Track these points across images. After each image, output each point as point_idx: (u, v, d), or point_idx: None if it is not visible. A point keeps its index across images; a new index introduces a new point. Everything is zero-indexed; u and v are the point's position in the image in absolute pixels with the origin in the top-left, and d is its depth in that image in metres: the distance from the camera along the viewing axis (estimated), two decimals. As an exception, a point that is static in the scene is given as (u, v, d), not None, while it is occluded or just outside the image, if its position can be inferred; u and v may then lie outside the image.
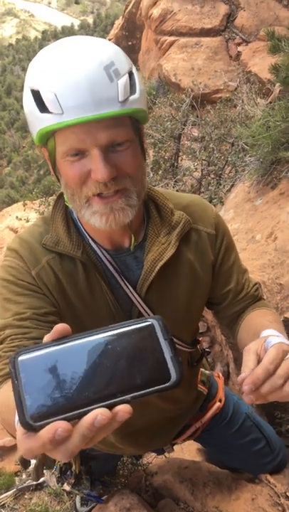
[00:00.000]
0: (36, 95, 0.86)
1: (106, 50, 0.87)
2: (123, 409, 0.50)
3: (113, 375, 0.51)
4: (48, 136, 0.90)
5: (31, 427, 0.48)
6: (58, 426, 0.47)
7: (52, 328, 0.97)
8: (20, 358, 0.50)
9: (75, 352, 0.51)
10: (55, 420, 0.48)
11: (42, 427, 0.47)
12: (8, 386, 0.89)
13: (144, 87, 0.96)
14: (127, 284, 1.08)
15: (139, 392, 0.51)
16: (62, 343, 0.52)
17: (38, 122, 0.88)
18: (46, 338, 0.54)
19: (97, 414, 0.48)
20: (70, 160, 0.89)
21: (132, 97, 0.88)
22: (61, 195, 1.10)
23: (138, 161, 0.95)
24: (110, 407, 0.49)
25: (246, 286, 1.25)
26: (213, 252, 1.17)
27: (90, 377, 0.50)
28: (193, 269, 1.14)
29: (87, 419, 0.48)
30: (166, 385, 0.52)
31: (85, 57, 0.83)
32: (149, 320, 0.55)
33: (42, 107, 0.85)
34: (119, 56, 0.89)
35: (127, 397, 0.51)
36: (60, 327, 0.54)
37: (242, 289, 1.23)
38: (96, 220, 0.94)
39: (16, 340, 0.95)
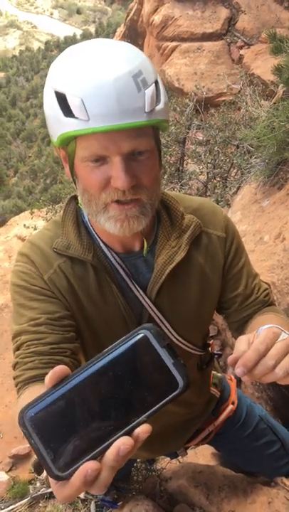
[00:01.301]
0: (61, 98, 0.85)
1: (135, 58, 0.86)
2: (143, 431, 0.50)
3: (122, 401, 0.51)
4: (70, 140, 0.90)
5: (62, 478, 0.48)
6: (86, 468, 0.48)
7: (67, 331, 1.00)
8: (28, 416, 0.49)
9: (78, 391, 0.51)
10: (82, 463, 0.48)
11: (71, 474, 0.48)
12: (29, 393, 0.89)
13: (167, 97, 0.96)
14: (137, 287, 1.08)
15: (151, 410, 0.51)
16: (63, 386, 0.51)
17: (61, 126, 0.87)
18: (46, 382, 0.53)
19: (120, 445, 0.49)
20: (91, 165, 0.89)
21: (157, 108, 0.88)
22: (71, 198, 1.11)
23: (155, 172, 0.95)
24: (129, 431, 0.50)
25: (256, 291, 1.22)
26: (223, 254, 1.16)
27: (100, 411, 0.50)
28: (203, 272, 1.14)
29: (112, 452, 0.49)
30: (176, 393, 0.52)
31: (115, 65, 0.83)
32: (140, 332, 0.53)
33: (67, 111, 0.85)
34: (147, 65, 0.88)
35: (142, 418, 0.51)
36: (58, 371, 0.52)
37: (251, 293, 1.21)
38: (111, 224, 0.94)
39: (32, 346, 0.96)
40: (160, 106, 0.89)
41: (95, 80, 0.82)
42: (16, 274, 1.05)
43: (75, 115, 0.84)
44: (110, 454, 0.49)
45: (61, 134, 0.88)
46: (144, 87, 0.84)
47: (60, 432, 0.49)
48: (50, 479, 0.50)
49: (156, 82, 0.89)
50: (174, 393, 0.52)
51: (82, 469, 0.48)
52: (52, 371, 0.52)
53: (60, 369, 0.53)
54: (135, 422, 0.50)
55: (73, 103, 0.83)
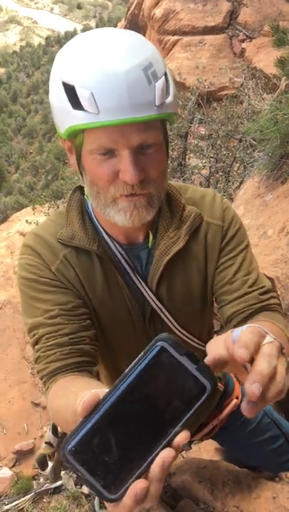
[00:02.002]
0: (70, 90, 0.83)
1: (145, 50, 0.84)
2: (182, 439, 0.51)
3: (155, 416, 0.51)
4: (78, 133, 0.88)
5: (115, 500, 0.50)
6: (136, 488, 0.50)
7: (83, 319, 1.00)
8: (68, 451, 0.50)
9: (111, 415, 0.51)
10: (130, 483, 0.50)
11: (123, 494, 0.50)
12: (56, 389, 0.91)
13: (176, 89, 0.94)
14: (139, 278, 1.08)
15: (185, 418, 0.52)
16: (95, 414, 0.51)
17: (69, 118, 0.85)
18: (79, 412, 0.53)
19: (163, 459, 0.50)
20: (99, 158, 0.88)
21: (167, 101, 0.86)
22: (76, 189, 1.10)
23: (163, 165, 0.94)
24: (168, 443, 0.51)
25: (248, 284, 1.08)
26: (220, 243, 1.13)
27: (136, 430, 0.51)
28: (204, 262, 1.12)
29: (156, 467, 0.50)
30: (205, 396, 0.52)
31: (125, 57, 0.81)
32: (157, 344, 0.53)
33: (76, 104, 0.83)
34: (157, 57, 0.86)
35: (178, 428, 0.51)
36: (88, 401, 0.52)
37: (241, 285, 1.08)
38: (121, 216, 0.93)
39: (51, 338, 0.96)
40: (170, 99, 0.87)
41: (105, 73, 0.80)
42: (23, 267, 1.04)
43: (85, 108, 0.82)
44: (156, 467, 0.50)
45: (69, 126, 0.86)
46: (154, 79, 0.83)
47: (103, 458, 0.50)
48: (106, 503, 0.53)
49: (165, 74, 0.87)
50: (204, 397, 0.52)
51: (131, 490, 0.50)
52: (83, 402, 0.52)
53: (90, 399, 0.52)
54: (172, 433, 0.51)
55: (83, 96, 0.81)
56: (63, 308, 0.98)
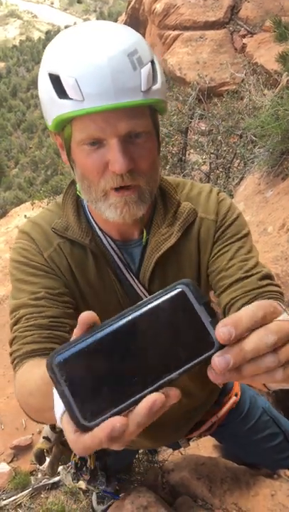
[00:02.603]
0: (55, 80, 0.83)
1: (129, 37, 0.84)
2: (174, 393, 0.47)
3: (155, 355, 0.48)
4: (65, 123, 0.87)
5: (86, 427, 0.46)
6: (114, 422, 0.45)
7: (68, 307, 0.97)
8: (56, 362, 0.47)
9: (109, 340, 0.48)
10: (109, 415, 0.46)
11: (97, 424, 0.46)
12: (28, 367, 0.86)
13: (164, 78, 0.93)
14: (132, 274, 1.07)
15: (184, 367, 0.48)
16: (93, 334, 0.48)
17: (55, 108, 0.85)
18: (75, 332, 0.51)
19: (155, 399, 0.45)
20: (88, 149, 0.87)
21: (154, 87, 0.86)
22: (73, 181, 1.09)
23: (154, 156, 0.93)
24: (158, 389, 0.47)
25: (245, 269, 1.02)
26: (214, 235, 1.09)
27: (131, 363, 0.48)
28: (196, 259, 1.11)
29: (144, 406, 0.45)
30: (210, 352, 0.48)
31: (109, 43, 0.81)
32: (178, 287, 0.50)
33: (61, 93, 0.82)
34: (142, 44, 0.86)
35: (174, 375, 0.48)
36: (85, 317, 0.50)
37: (237, 270, 1.02)
38: (111, 212, 0.93)
39: (32, 319, 0.93)
40: (157, 85, 0.87)
41: (89, 60, 0.79)
42: (16, 250, 1.03)
43: (70, 96, 0.81)
44: (141, 409, 0.45)
45: (56, 116, 0.85)
46: (139, 65, 0.82)
47: (89, 380, 0.47)
48: (69, 429, 0.48)
49: (152, 62, 0.87)
50: (209, 353, 0.48)
51: (108, 423, 0.45)
52: (79, 318, 0.50)
53: (88, 315, 0.49)
54: (166, 379, 0.48)
55: (67, 83, 0.81)
56: (49, 292, 0.97)
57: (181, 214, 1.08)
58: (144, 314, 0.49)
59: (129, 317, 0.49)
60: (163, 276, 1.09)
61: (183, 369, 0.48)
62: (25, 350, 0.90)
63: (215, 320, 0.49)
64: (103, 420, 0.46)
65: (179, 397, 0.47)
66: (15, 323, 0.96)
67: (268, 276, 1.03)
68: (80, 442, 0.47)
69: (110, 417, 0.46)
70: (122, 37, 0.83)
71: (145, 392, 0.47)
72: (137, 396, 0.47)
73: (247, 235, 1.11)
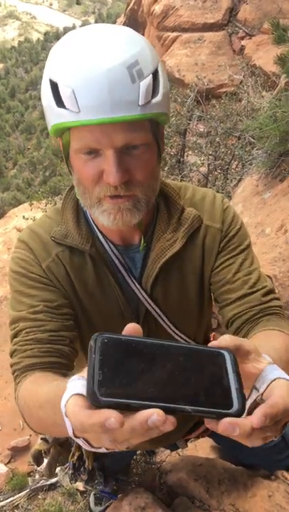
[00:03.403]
0: (54, 87, 0.83)
1: (132, 47, 0.81)
2: (171, 421, 0.50)
3: (180, 383, 0.53)
4: (64, 131, 0.87)
5: (96, 399, 0.49)
6: (111, 415, 0.48)
7: (66, 319, 0.99)
8: (102, 337, 0.53)
9: (150, 349, 0.54)
10: (120, 402, 0.49)
11: (106, 403, 0.49)
12: (32, 379, 0.88)
13: (168, 88, 0.91)
14: (134, 280, 1.06)
15: (200, 408, 0.53)
16: (142, 338, 0.55)
17: (53, 116, 0.85)
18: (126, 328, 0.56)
19: (154, 412, 0.48)
20: (84, 158, 0.87)
21: (153, 100, 0.84)
22: (73, 186, 1.09)
23: (151, 167, 0.92)
24: (167, 410, 0.51)
25: (250, 284, 1.05)
26: (219, 245, 1.11)
27: (158, 375, 0.53)
28: (201, 266, 1.11)
29: (143, 415, 0.49)
30: (228, 411, 0.53)
31: (109, 54, 0.79)
32: (223, 351, 0.57)
33: (59, 102, 0.82)
34: (145, 54, 0.83)
35: (189, 408, 0.52)
36: (132, 327, 0.55)
37: (242, 285, 1.05)
38: (104, 218, 0.92)
39: (31, 333, 0.94)
40: (157, 98, 0.85)
41: (87, 71, 0.78)
42: (15, 260, 1.03)
43: (66, 106, 0.81)
44: (140, 416, 0.48)
45: (54, 124, 0.86)
46: (139, 78, 0.80)
47: (119, 367, 0.51)
48: (73, 403, 0.52)
49: (154, 73, 0.84)
50: (226, 411, 0.53)
51: (107, 413, 0.48)
52: (126, 327, 0.56)
53: (134, 327, 0.56)
54: (179, 406, 0.52)
55: (64, 94, 0.80)
56: (48, 306, 0.97)
57: (186, 220, 1.07)
58: (189, 349, 0.57)
59: (177, 344, 0.56)
60: (165, 282, 1.08)
61: (199, 409, 0.53)
62: (25, 364, 0.92)
63: (241, 388, 0.55)
64: (111, 402, 0.49)
65: (173, 426, 0.50)
66: (15, 336, 0.97)
67: (269, 292, 1.08)
68: (79, 416, 0.51)
69: (118, 403, 0.49)
70: (123, 47, 0.81)
71: (157, 404, 0.50)
72: (147, 403, 0.50)
73: (249, 245, 1.13)
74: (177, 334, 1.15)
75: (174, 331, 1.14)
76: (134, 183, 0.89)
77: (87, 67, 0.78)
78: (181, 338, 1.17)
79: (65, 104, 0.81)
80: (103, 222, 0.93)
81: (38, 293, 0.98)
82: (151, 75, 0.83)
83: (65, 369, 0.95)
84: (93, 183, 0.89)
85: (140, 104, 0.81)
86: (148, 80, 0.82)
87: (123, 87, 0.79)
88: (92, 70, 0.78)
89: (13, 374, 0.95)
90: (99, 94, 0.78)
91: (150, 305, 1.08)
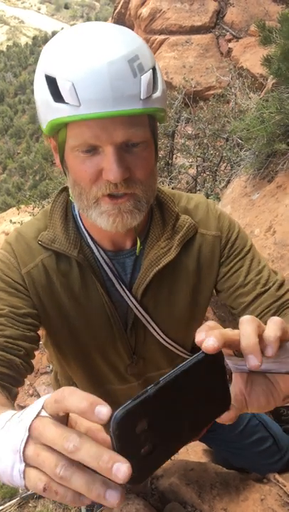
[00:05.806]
0: (52, 82, 0.80)
1: (131, 42, 0.81)
2: (124, 473, 0.43)
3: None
4: (60, 127, 0.84)
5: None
6: (102, 403, 0.44)
7: (29, 329, 0.94)
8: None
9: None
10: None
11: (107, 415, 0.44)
12: None
13: (165, 86, 0.90)
14: (123, 286, 1.04)
15: (204, 424, 0.52)
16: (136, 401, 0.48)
17: (50, 112, 0.82)
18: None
19: (115, 465, 0.43)
20: (82, 156, 0.84)
21: (154, 95, 0.83)
22: (63, 189, 1.06)
23: (151, 165, 0.90)
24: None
25: (262, 282, 1.06)
26: (220, 252, 1.10)
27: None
28: (195, 275, 1.09)
29: (105, 464, 0.43)
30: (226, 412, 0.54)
31: (109, 48, 0.77)
32: (199, 355, 0.56)
33: (57, 96, 0.79)
34: (144, 50, 0.83)
35: (196, 433, 0.51)
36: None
37: (254, 286, 1.06)
38: (103, 220, 0.89)
39: None
40: (157, 94, 0.83)
41: (87, 64, 0.76)
42: None
43: (66, 100, 0.78)
44: (104, 464, 0.42)
45: (51, 120, 0.82)
46: (140, 72, 0.79)
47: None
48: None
49: (153, 69, 0.84)
50: (225, 412, 0.54)
51: (94, 400, 0.44)
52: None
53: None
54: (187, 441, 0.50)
55: (64, 87, 0.77)
56: (13, 312, 0.93)
57: (181, 228, 1.05)
58: (175, 377, 0.52)
59: (156, 386, 0.49)
60: (157, 290, 1.06)
61: (202, 427, 0.52)
62: None
63: (223, 383, 0.56)
64: (111, 416, 0.44)
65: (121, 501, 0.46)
66: None
67: (282, 284, 1.07)
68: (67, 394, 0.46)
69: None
70: (123, 41, 0.80)
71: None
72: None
73: (252, 244, 1.12)
74: (166, 341, 1.14)
75: (163, 338, 1.12)
76: (134, 180, 0.86)
77: (87, 61, 0.76)
78: (170, 344, 1.15)
79: (64, 98, 0.78)
80: (101, 224, 0.90)
81: (7, 297, 0.96)
82: (151, 70, 0.82)
83: (12, 383, 0.88)
84: (90, 183, 0.86)
85: (142, 98, 0.80)
86: (149, 74, 0.81)
87: (125, 80, 0.77)
88: (92, 63, 0.76)
89: None
90: (101, 88, 0.76)
91: (140, 312, 1.06)
